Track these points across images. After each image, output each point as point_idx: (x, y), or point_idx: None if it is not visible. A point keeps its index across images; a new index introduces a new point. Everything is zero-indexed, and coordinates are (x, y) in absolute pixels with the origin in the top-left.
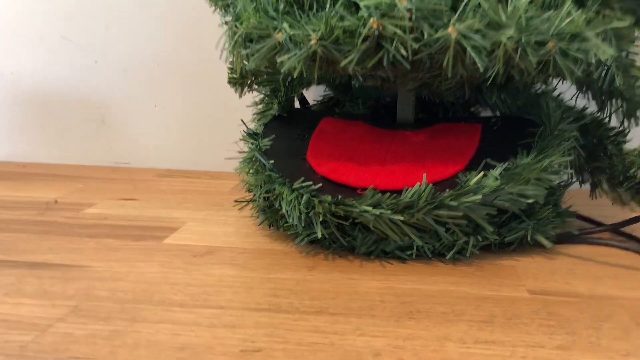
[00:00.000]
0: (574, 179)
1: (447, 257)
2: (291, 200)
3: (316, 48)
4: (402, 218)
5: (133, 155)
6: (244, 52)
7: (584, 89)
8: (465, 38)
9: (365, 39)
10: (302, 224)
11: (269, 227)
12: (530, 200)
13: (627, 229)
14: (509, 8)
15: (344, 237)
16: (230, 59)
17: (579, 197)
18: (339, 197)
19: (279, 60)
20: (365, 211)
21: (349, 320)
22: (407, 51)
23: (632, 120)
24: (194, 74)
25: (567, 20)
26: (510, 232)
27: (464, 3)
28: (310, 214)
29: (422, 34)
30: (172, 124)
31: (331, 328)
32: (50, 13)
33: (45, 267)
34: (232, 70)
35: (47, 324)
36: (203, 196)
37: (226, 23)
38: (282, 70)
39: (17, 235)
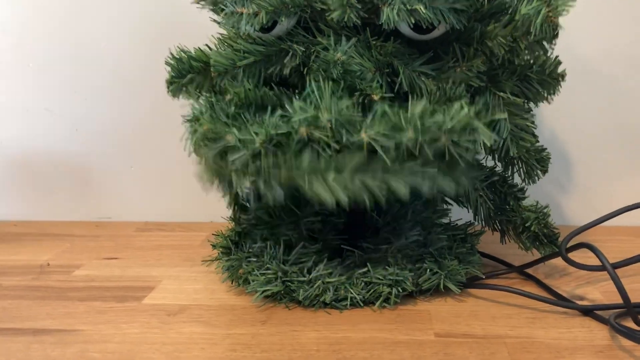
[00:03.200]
0: (485, 228)
1: (376, 306)
2: None
3: (260, 148)
4: None
5: (114, 210)
6: (202, 149)
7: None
8: (375, 140)
9: (299, 140)
10: None
11: (231, 283)
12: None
13: (530, 270)
14: (408, 115)
15: (290, 292)
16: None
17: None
18: None
19: (230, 158)
20: None
21: None
22: (331, 150)
23: (530, 180)
24: (163, 139)
25: (459, 116)
26: (425, 282)
27: (372, 112)
28: None
29: (341, 137)
30: (147, 182)
31: None
32: (34, 88)
33: (46, 333)
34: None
35: None
36: (177, 251)
37: (188, 121)
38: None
39: (19, 302)
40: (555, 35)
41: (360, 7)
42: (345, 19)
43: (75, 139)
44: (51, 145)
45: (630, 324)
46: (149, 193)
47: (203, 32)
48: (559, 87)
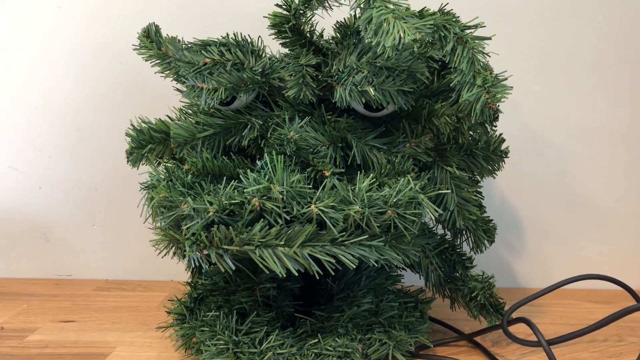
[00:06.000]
0: (435, 295)
1: None
2: None
3: (214, 217)
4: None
5: (75, 268)
6: (158, 217)
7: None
8: (323, 212)
9: (251, 211)
10: None
11: (185, 351)
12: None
13: (478, 338)
14: (356, 188)
15: None
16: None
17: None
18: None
19: (184, 227)
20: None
21: None
22: (282, 220)
23: (478, 249)
24: (126, 197)
25: (404, 191)
26: (374, 353)
27: (322, 186)
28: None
29: (292, 208)
30: (109, 240)
31: None
32: None
33: None
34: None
35: None
36: (134, 314)
37: (145, 188)
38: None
39: None
40: (496, 119)
41: (315, 85)
42: (301, 97)
43: (37, 196)
44: (13, 201)
45: None
46: (111, 251)
47: (166, 95)
48: (503, 162)
